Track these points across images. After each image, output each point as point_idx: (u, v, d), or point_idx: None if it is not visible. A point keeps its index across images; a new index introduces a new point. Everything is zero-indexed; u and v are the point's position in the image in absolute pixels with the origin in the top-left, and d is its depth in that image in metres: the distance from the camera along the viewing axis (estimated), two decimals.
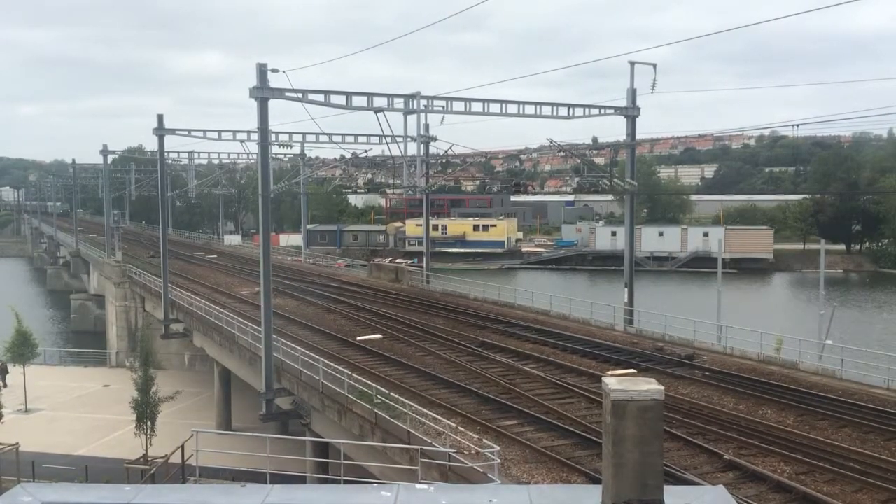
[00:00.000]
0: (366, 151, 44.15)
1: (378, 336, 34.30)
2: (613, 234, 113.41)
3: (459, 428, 20.33)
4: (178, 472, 28.58)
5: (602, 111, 36.05)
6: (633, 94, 35.40)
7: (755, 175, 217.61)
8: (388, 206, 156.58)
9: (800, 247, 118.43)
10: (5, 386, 45.13)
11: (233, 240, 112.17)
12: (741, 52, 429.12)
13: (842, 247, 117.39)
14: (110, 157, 78.19)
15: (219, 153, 66.75)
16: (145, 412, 34.20)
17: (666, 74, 34.62)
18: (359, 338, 33.84)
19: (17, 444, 32.92)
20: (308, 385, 27.42)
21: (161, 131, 45.52)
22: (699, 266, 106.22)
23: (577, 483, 17.34)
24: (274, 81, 27.20)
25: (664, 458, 7.46)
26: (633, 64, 34.47)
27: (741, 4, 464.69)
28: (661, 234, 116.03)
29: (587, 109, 35.40)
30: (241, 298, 47.09)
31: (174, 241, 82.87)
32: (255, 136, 34.79)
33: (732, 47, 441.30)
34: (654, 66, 34.41)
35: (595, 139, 38.83)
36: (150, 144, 75.48)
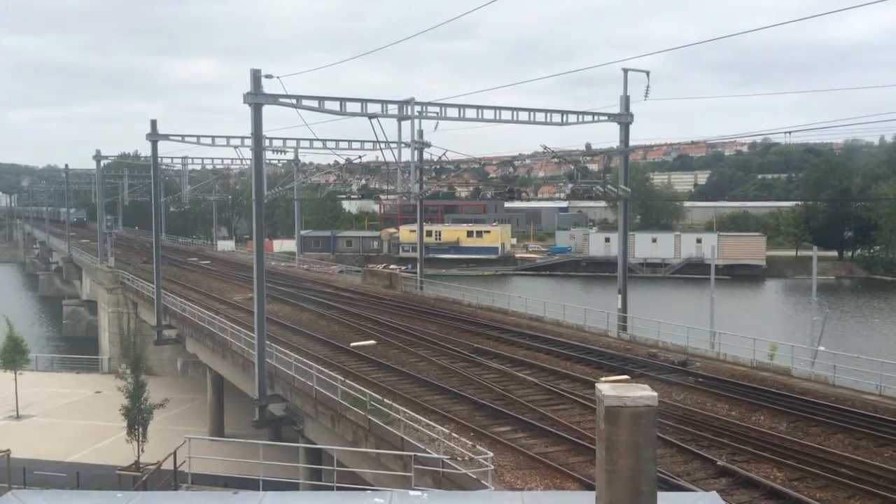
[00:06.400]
0: (360, 157, 44.28)
1: (372, 342, 34.25)
2: (607, 240, 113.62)
3: (453, 434, 20.30)
4: (171, 479, 28.45)
5: (595, 118, 36.13)
6: (626, 101, 35.48)
7: (748, 182, 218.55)
8: (382, 211, 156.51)
9: (792, 253, 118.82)
10: None
11: (226, 245, 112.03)
12: (728, 62, 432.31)
13: (834, 253, 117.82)
14: (103, 163, 77.98)
15: (212, 159, 66.88)
16: (136, 419, 34.05)
17: (654, 82, 34.74)
18: (352, 344, 33.78)
19: (9, 450, 32.74)
20: (301, 391, 27.33)
21: (154, 137, 45.41)
22: (692, 272, 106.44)
23: (570, 489, 17.32)
24: (268, 87, 27.20)
25: (657, 465, 7.46)
26: (626, 71, 34.58)
27: (725, 15, 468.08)
28: (654, 240, 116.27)
29: (581, 116, 35.48)
30: (235, 304, 46.97)
31: (167, 247, 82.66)
32: (248, 142, 34.78)
33: (719, 57, 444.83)
34: (648, 73, 34.58)
35: (588, 146, 38.90)
36: (144, 150, 75.41)
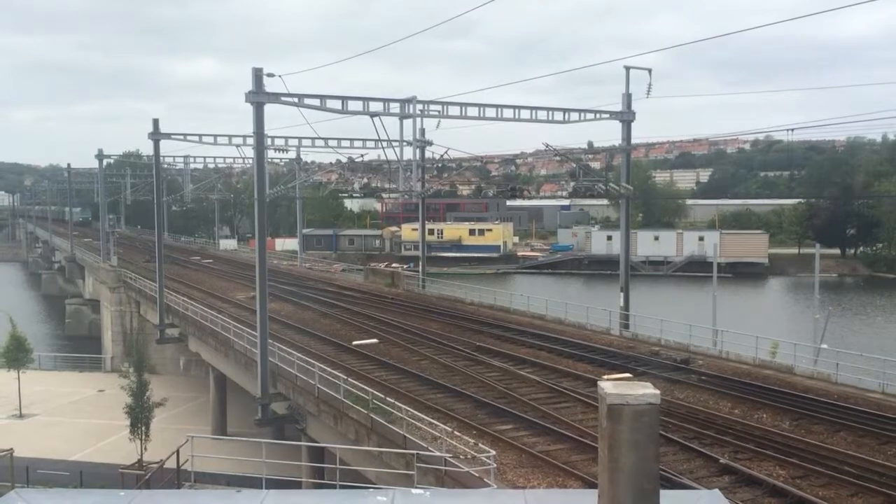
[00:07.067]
0: (361, 156, 44.22)
1: (374, 341, 34.27)
2: (609, 238, 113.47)
3: (455, 432, 20.30)
4: (174, 478, 28.47)
5: (597, 116, 36.06)
6: (628, 98, 35.42)
7: (750, 179, 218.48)
8: (384, 210, 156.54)
9: (795, 251, 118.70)
10: None
11: (228, 244, 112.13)
12: (728, 60, 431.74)
13: (836, 251, 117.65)
14: (106, 162, 78.07)
15: (214, 157, 66.70)
16: (139, 417, 34.12)
17: (656, 81, 34.72)
18: (355, 342, 33.80)
19: (12, 449, 32.79)
20: (304, 390, 27.38)
21: (156, 136, 45.42)
22: (695, 270, 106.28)
23: (573, 488, 17.32)
24: (270, 86, 27.19)
25: (660, 463, 7.46)
26: (628, 69, 34.51)
27: (725, 13, 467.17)
28: (656, 238, 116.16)
29: (582, 114, 35.41)
30: (237, 303, 47.00)
31: (169, 246, 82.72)
32: (250, 141, 34.81)
33: (719, 55, 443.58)
34: (650, 71, 34.53)
35: (590, 144, 38.88)
36: (146, 149, 75.68)
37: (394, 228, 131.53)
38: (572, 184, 38.61)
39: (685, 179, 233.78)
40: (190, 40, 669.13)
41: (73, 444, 39.41)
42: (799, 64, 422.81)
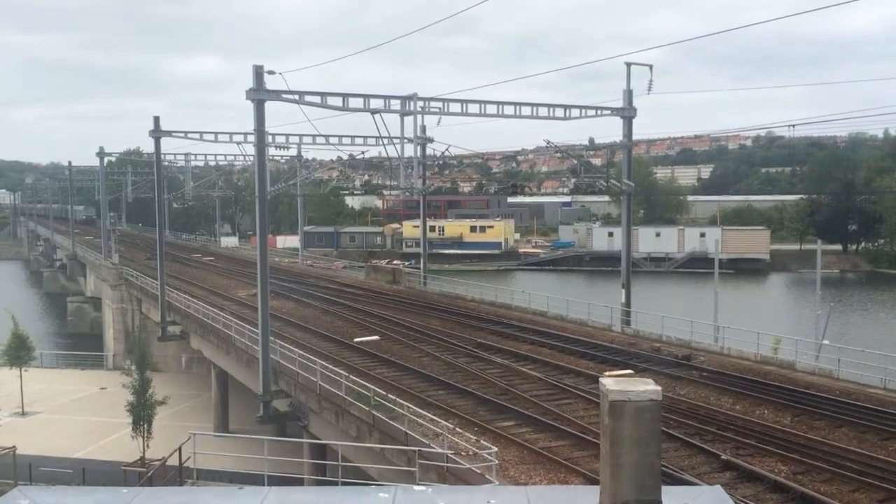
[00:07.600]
0: (363, 153, 44.23)
1: (375, 338, 34.29)
2: (610, 234, 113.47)
3: (457, 429, 20.31)
4: (176, 475, 28.50)
5: (598, 112, 36.04)
6: (629, 94, 35.39)
7: (751, 175, 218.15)
8: (385, 207, 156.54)
9: (796, 247, 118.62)
10: None
11: (229, 242, 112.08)
12: (731, 56, 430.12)
13: (838, 247, 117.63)
14: (107, 160, 78.07)
15: (215, 155, 66.71)
16: (142, 415, 34.17)
17: (658, 77, 34.66)
18: (356, 339, 33.82)
19: (14, 447, 32.87)
20: (305, 387, 27.40)
21: (157, 133, 45.44)
22: (696, 266, 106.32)
23: (575, 484, 17.33)
24: (271, 83, 27.22)
25: (661, 459, 7.46)
26: (629, 65, 34.46)
27: (726, 9, 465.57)
28: (657, 234, 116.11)
29: (583, 110, 35.39)
30: (239, 300, 47.03)
31: (171, 244, 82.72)
32: (251, 138, 34.79)
33: (722, 51, 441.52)
34: (651, 67, 34.46)
35: (591, 140, 38.90)
36: (148, 147, 75.50)
37: (395, 225, 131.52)
38: (573, 180, 38.61)
39: (686, 176, 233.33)
40: (191, 38, 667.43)
41: (76, 442, 39.49)
42: (804, 59, 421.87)
